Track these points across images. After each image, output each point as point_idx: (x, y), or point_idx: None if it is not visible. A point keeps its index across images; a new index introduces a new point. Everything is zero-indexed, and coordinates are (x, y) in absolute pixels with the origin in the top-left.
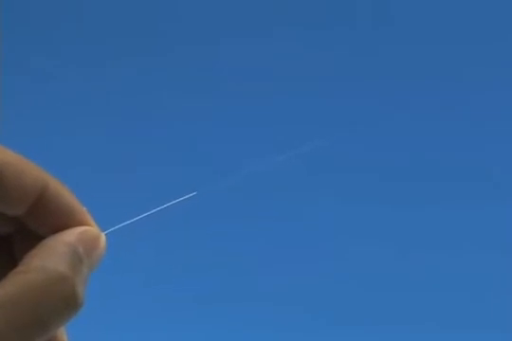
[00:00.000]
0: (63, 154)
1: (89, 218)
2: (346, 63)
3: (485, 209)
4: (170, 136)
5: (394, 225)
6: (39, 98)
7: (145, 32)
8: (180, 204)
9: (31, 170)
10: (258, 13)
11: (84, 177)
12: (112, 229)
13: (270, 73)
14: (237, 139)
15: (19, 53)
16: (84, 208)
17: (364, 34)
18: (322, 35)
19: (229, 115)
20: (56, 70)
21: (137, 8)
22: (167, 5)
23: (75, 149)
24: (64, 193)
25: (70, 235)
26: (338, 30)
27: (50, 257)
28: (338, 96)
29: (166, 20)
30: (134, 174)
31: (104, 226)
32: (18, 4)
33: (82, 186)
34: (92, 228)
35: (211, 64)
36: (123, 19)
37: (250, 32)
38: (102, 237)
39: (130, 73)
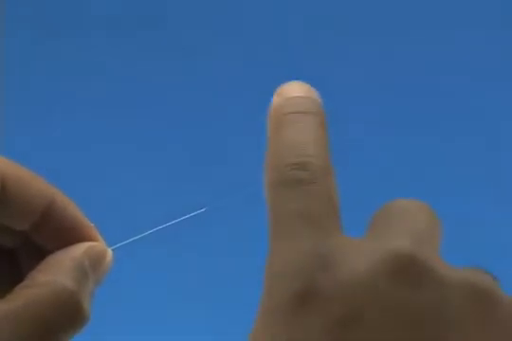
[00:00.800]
0: (62, 154)
1: (96, 233)
2: (346, 63)
3: (485, 209)
4: (170, 136)
5: None
6: (39, 98)
7: (145, 32)
8: (181, 207)
9: (38, 184)
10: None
11: (84, 177)
12: (119, 245)
13: (272, 72)
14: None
15: (19, 53)
16: (91, 223)
17: (364, 34)
18: (323, 35)
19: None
20: (56, 70)
21: (137, 9)
22: (167, 5)
23: (75, 149)
24: (71, 208)
25: (76, 250)
26: (338, 30)
27: (56, 272)
28: (337, 96)
29: (166, 20)
30: (135, 174)
31: (104, 226)
32: (18, 3)
33: (82, 185)
34: (99, 244)
35: (211, 64)
36: (123, 19)
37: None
38: (109, 252)
39: (130, 73)
